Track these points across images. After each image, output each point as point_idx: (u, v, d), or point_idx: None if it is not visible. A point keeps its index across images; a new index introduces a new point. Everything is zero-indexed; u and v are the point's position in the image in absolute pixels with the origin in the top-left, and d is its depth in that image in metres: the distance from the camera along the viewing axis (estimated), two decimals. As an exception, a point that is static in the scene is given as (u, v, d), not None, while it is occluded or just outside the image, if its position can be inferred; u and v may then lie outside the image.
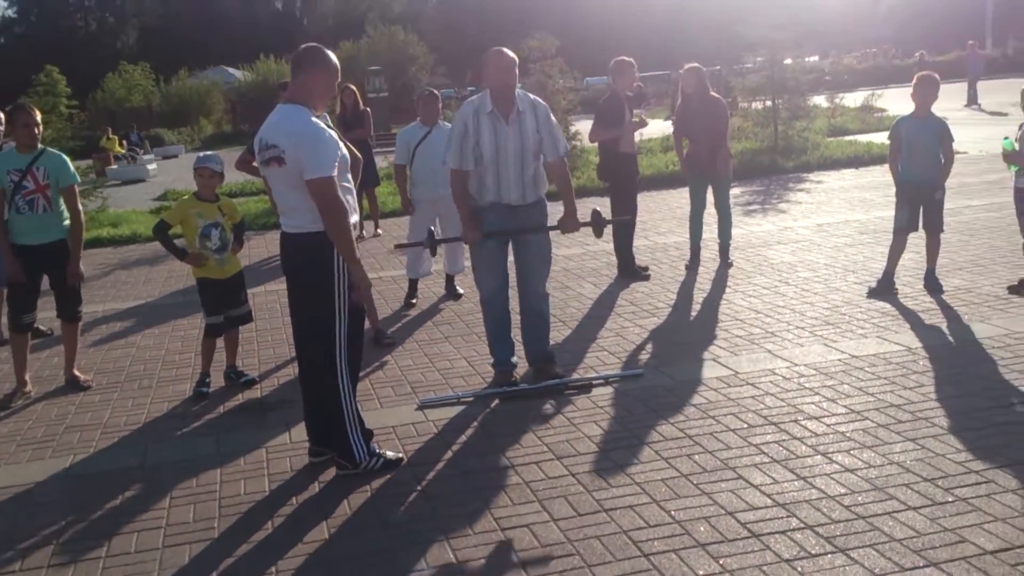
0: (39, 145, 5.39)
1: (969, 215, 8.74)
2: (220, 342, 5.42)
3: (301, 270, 3.90)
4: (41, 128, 5.45)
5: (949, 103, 20.75)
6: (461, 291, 7.36)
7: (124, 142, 27.51)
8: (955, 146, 6.31)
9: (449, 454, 4.14)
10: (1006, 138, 5.99)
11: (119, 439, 4.65)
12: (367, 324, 6.06)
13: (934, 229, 6.25)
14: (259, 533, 3.49)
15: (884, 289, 6.30)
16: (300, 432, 4.39)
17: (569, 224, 5.07)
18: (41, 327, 6.64)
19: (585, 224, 5.19)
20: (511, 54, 4.80)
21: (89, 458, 4.42)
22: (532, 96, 4.94)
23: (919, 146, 6.16)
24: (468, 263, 7.20)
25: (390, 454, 4.08)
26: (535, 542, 3.27)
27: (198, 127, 38.55)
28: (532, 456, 4.04)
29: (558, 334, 5.93)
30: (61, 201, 5.41)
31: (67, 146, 12.88)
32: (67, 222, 5.44)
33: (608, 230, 7.79)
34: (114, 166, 23.47)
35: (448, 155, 4.87)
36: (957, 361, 4.90)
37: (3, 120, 6.36)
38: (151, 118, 38.02)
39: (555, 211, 4.98)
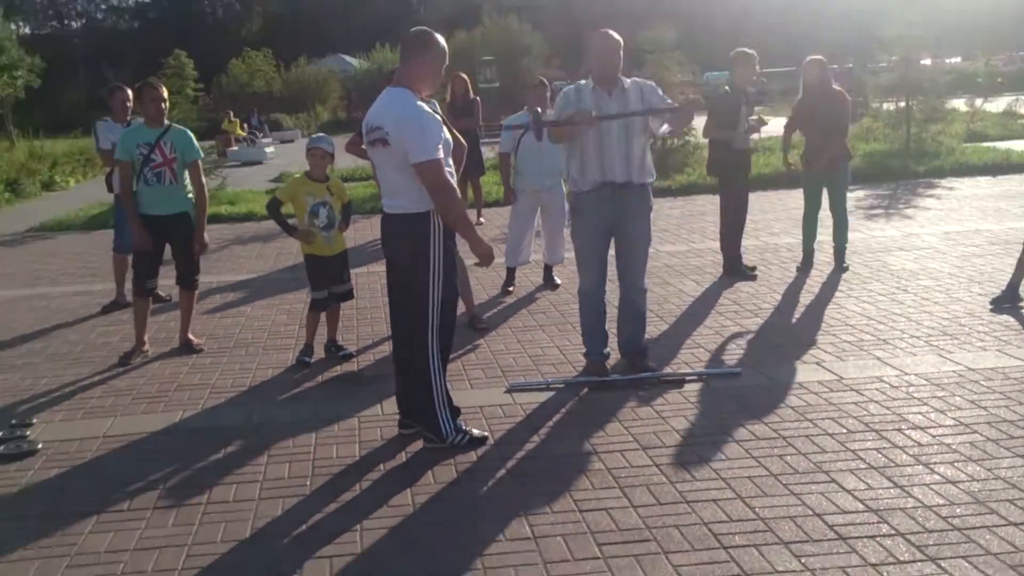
0: (166, 121, 5.65)
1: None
2: (323, 317, 5.60)
3: (399, 249, 4.00)
4: (168, 104, 5.72)
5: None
6: (559, 281, 7.37)
7: (245, 125, 28.68)
8: None
9: (534, 436, 4.16)
10: None
11: (225, 399, 4.88)
12: (463, 308, 6.17)
13: None
14: (347, 494, 3.61)
15: (1008, 300, 5.97)
16: (391, 405, 4.50)
17: (685, 111, 4.76)
18: (161, 293, 7.00)
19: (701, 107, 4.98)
20: (616, 36, 4.74)
21: (197, 415, 4.67)
22: (641, 80, 4.87)
23: None
24: (567, 254, 7.21)
25: (476, 432, 4.13)
26: (613, 525, 3.26)
27: (314, 113, 39.72)
28: (617, 444, 4.02)
29: (655, 329, 5.87)
30: (185, 175, 5.66)
31: (191, 126, 13.51)
32: (191, 195, 5.70)
33: (715, 228, 7.65)
34: (234, 148, 24.51)
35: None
36: (1084, 381, 4.60)
37: (132, 96, 6.73)
38: (271, 103, 39.35)
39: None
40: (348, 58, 48.23)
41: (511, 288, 7.23)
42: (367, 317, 6.53)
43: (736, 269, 7.35)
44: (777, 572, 2.91)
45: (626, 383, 4.83)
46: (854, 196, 11.51)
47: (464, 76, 10.86)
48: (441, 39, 3.96)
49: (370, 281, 7.69)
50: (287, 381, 5.15)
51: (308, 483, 3.74)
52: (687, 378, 4.89)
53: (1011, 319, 5.69)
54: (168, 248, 5.75)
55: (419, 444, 4.09)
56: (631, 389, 4.76)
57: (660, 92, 4.83)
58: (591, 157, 4.75)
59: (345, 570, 3.00)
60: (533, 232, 7.25)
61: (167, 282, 6.86)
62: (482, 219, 10.98)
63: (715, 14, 50.16)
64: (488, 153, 13.06)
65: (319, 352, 5.59)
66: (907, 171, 13.05)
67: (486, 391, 4.83)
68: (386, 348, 5.68)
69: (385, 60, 38.52)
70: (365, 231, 10.44)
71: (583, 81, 4.91)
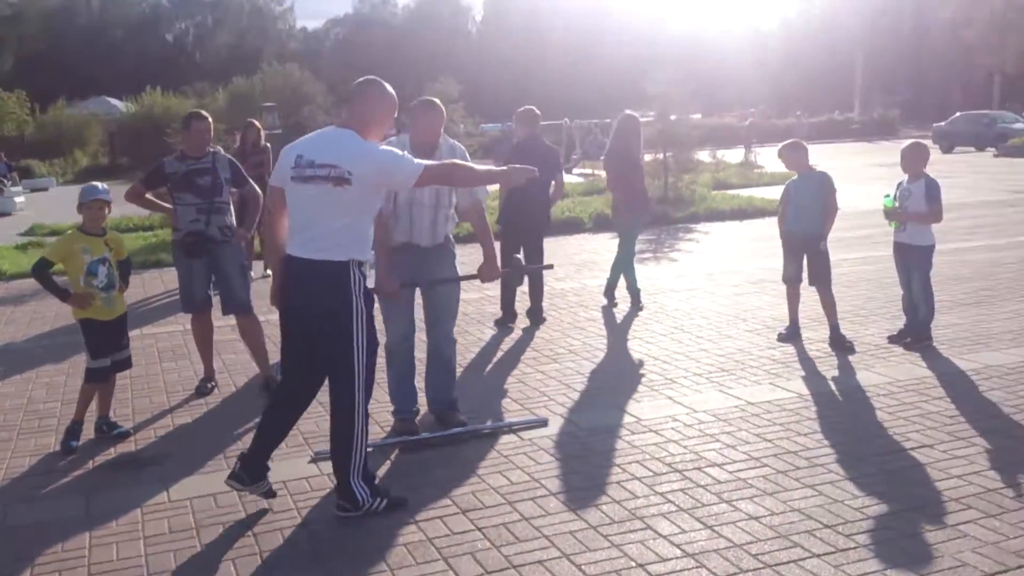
0: None
1: (847, 267, 9.03)
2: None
3: (315, 299, 3.67)
4: None
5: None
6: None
7: (-10, 174, 25.95)
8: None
9: (345, 509, 3.90)
10: (887, 196, 6.25)
11: (-28, 500, 4.18)
12: (256, 371, 5.77)
13: (821, 282, 6.30)
14: (134, 604, 3.17)
15: (792, 335, 6.52)
16: (179, 490, 4.09)
17: (490, 271, 4.88)
18: None
19: (504, 271, 5.11)
20: (441, 108, 4.67)
21: (-65, 523, 3.94)
22: (452, 140, 4.82)
23: (803, 201, 6.35)
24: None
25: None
26: (440, 604, 3.09)
27: (72, 159, 36.88)
28: (436, 510, 3.86)
29: (459, 380, 5.77)
30: None
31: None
32: None
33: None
34: (-23, 198, 22.07)
35: None
36: (846, 408, 5.03)
37: None
38: (22, 148, 35.99)
39: (467, 253, 4.85)
40: (114, 100, 45.30)
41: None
42: (143, 387, 5.94)
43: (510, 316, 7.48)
44: (608, 632, 2.86)
45: (438, 440, 4.69)
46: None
47: (258, 124, 10.59)
48: (391, 89, 3.81)
49: (145, 345, 7.04)
50: (51, 471, 4.52)
51: (85, 594, 3.25)
52: (498, 431, 4.83)
53: (776, 353, 6.17)
54: None
55: (211, 533, 3.70)
56: (444, 446, 4.62)
57: (467, 155, 4.78)
58: (401, 227, 4.68)
59: None
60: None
61: None
62: (268, 270, 10.47)
63: (491, 71, 52.80)
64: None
65: (88, 432, 4.97)
66: (668, 217, 14.12)
67: (289, 462, 4.48)
68: (169, 422, 5.19)
69: (156, 103, 36.09)
70: (136, 289, 9.61)
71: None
